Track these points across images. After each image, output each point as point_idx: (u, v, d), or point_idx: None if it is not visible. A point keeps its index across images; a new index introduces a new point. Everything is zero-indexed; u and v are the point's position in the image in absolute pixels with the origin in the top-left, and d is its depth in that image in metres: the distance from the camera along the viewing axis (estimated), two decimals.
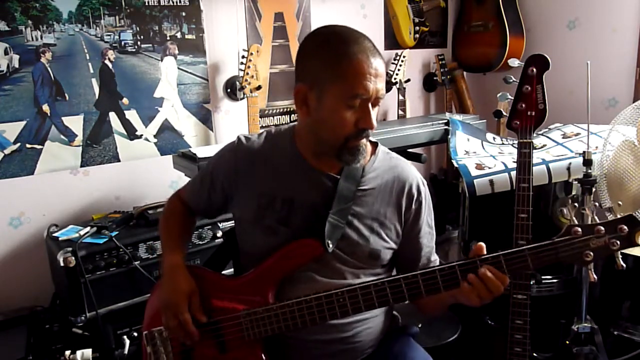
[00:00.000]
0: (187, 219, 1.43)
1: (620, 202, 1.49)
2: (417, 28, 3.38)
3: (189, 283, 1.23)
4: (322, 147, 1.20)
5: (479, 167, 2.07)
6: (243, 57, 2.46)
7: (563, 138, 2.23)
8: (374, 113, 1.15)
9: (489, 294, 1.07)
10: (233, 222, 1.39)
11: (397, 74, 3.04)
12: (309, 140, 1.23)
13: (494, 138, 2.49)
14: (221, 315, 1.22)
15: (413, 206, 1.28)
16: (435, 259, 1.35)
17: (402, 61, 3.06)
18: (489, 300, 1.08)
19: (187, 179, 2.11)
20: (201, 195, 1.37)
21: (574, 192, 1.99)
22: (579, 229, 1.04)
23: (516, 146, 1.47)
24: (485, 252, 1.09)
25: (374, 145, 1.31)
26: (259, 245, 1.25)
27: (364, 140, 1.17)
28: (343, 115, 1.12)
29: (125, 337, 1.85)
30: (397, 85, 3.06)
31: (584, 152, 1.70)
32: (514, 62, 1.69)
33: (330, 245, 1.18)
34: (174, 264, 1.27)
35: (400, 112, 3.07)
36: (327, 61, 1.12)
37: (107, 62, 2.30)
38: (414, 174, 1.30)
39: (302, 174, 1.23)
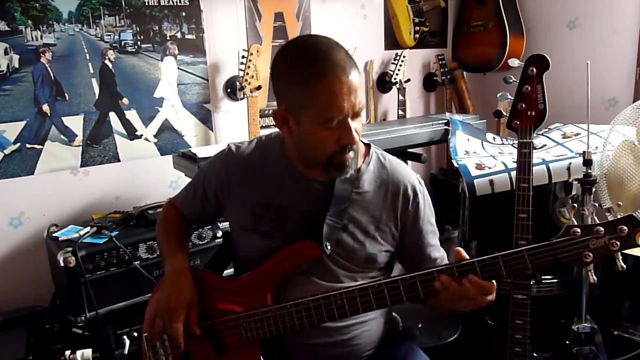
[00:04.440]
0: (184, 226, 1.41)
1: (620, 203, 1.49)
2: (417, 28, 3.38)
3: (191, 292, 1.22)
4: (309, 162, 1.19)
5: (479, 167, 2.07)
6: (243, 57, 2.46)
7: (563, 138, 2.23)
8: (356, 124, 1.11)
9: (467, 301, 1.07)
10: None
11: (397, 74, 3.04)
12: (296, 153, 1.22)
13: (494, 138, 2.49)
14: (219, 317, 1.22)
15: (410, 208, 1.26)
16: (440, 255, 1.32)
17: (402, 61, 3.06)
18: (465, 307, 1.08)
19: (187, 179, 2.12)
20: (195, 205, 1.36)
21: (574, 192, 1.99)
22: (578, 230, 1.03)
23: (516, 146, 1.47)
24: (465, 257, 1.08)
25: (367, 146, 1.30)
26: (256, 249, 1.24)
27: (350, 154, 1.14)
28: (322, 136, 1.10)
29: (125, 337, 1.85)
30: (397, 85, 3.06)
31: (584, 152, 1.70)
32: (514, 62, 1.68)
33: (329, 247, 1.18)
34: (179, 268, 1.26)
35: (400, 112, 3.07)
36: (296, 86, 1.08)
37: (107, 62, 2.30)
38: (408, 175, 1.28)
39: (294, 181, 1.23)
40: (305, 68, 1.07)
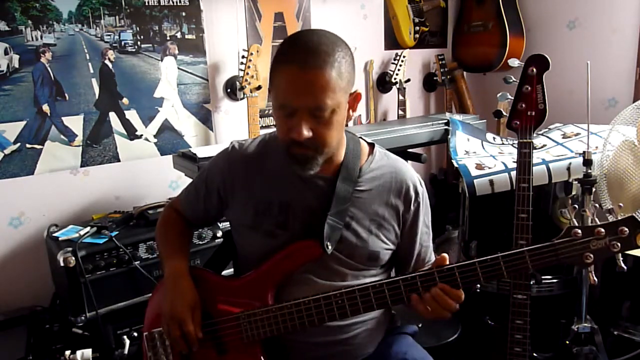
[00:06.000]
0: (185, 228, 1.41)
1: (621, 204, 1.49)
2: (417, 28, 3.38)
3: (193, 294, 1.22)
4: None
5: (479, 167, 2.07)
6: (243, 57, 2.46)
7: (563, 138, 2.23)
8: (316, 124, 1.08)
9: (440, 310, 1.08)
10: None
11: (397, 74, 3.04)
12: None
13: (494, 138, 2.49)
14: (220, 316, 1.22)
15: (411, 208, 1.27)
16: (433, 259, 1.34)
17: (402, 61, 3.06)
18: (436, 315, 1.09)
19: (187, 179, 2.12)
20: (197, 204, 1.35)
21: (574, 192, 1.99)
22: (579, 231, 1.03)
23: (516, 146, 1.47)
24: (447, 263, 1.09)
25: (371, 146, 1.30)
26: (257, 248, 1.24)
27: (306, 152, 1.11)
28: (279, 123, 1.13)
29: (125, 337, 1.85)
30: (397, 85, 3.06)
31: (584, 152, 1.70)
32: (514, 62, 1.68)
33: (329, 247, 1.18)
34: (178, 271, 1.26)
35: (400, 112, 3.07)
36: (271, 68, 1.13)
37: (107, 62, 2.30)
38: (410, 175, 1.29)
39: (297, 177, 1.22)
40: (278, 55, 1.11)
